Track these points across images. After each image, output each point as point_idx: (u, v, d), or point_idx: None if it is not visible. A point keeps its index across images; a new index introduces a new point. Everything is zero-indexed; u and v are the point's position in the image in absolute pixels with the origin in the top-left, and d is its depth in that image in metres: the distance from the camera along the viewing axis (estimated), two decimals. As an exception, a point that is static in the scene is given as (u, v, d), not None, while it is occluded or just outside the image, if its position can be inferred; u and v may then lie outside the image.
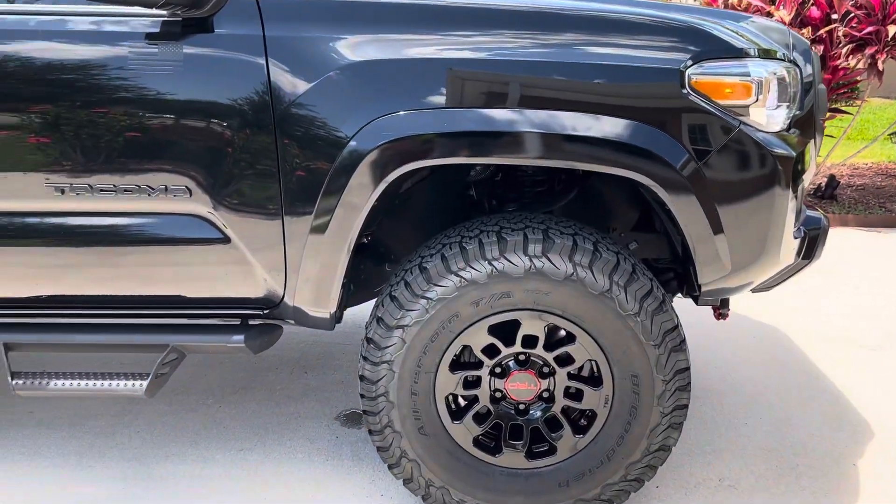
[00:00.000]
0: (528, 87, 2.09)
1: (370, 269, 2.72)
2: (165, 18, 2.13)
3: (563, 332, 2.26)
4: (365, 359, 2.26)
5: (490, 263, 2.15)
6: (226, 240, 2.22)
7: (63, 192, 2.19)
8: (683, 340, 2.25)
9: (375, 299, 2.37)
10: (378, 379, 2.24)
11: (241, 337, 2.32)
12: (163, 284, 2.30)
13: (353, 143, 2.10)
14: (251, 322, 2.40)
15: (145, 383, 2.32)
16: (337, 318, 2.34)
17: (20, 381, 2.32)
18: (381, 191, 2.14)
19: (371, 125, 2.09)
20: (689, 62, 2.08)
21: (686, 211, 2.14)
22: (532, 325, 2.23)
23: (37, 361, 2.93)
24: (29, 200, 2.21)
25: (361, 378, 2.28)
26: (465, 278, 2.15)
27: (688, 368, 2.26)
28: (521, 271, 2.15)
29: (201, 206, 2.19)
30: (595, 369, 2.29)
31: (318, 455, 2.80)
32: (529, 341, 2.26)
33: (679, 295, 2.76)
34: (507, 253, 2.15)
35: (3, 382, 2.32)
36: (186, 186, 2.18)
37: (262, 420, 3.03)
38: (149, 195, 2.18)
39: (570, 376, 2.30)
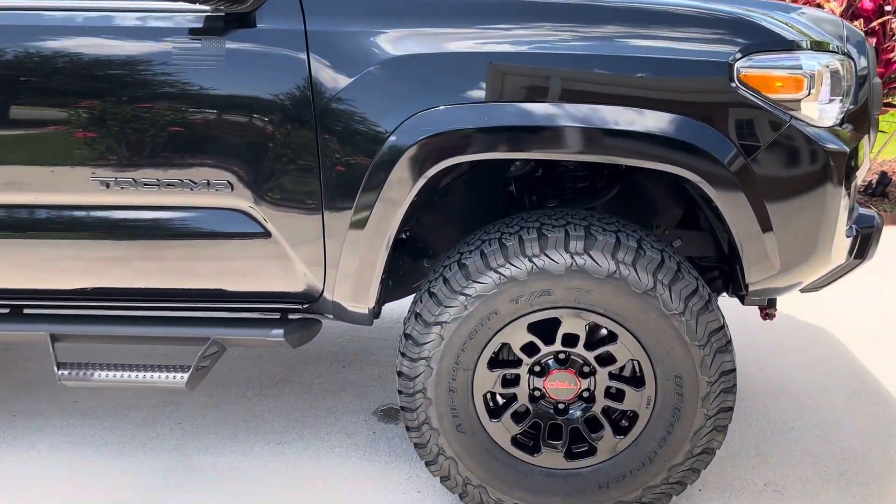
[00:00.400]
0: (570, 80, 2.05)
1: (409, 265, 2.70)
2: (209, 14, 2.14)
3: (604, 331, 2.21)
4: (403, 355, 2.25)
5: (530, 260, 2.12)
6: (266, 234, 2.23)
7: (108, 185, 2.21)
8: (729, 341, 2.19)
9: (414, 295, 2.35)
10: (416, 375, 2.23)
11: (280, 331, 2.33)
12: (204, 278, 2.32)
13: (392, 138, 2.08)
14: (291, 316, 2.41)
15: (186, 376, 2.34)
16: (375, 313, 2.34)
17: (65, 372, 2.36)
18: (421, 186, 2.12)
19: (411, 120, 2.08)
20: (738, 55, 2.02)
21: (733, 208, 2.08)
22: (573, 324, 2.19)
23: (82, 353, 2.98)
24: (75, 194, 2.24)
25: (399, 374, 2.27)
26: (504, 275, 2.13)
27: (734, 370, 2.20)
28: (561, 269, 2.11)
29: (243, 200, 2.20)
30: (637, 369, 2.24)
31: (355, 450, 2.80)
32: (570, 340, 2.22)
33: (725, 294, 2.69)
34: (548, 250, 2.12)
35: (49, 372, 2.35)
36: (228, 181, 2.19)
37: (301, 413, 3.05)
38: (191, 189, 2.20)
39: (612, 376, 2.25)
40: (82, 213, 2.28)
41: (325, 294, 2.30)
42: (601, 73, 2.05)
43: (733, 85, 2.02)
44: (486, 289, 2.14)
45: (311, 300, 2.34)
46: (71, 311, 2.45)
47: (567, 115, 2.04)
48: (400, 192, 2.12)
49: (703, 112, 2.04)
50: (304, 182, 2.15)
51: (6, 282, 2.37)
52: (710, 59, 2.03)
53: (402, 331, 2.28)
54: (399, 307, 3.29)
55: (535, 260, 2.12)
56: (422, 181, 2.11)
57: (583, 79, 2.06)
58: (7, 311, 2.48)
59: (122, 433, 2.91)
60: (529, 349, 2.24)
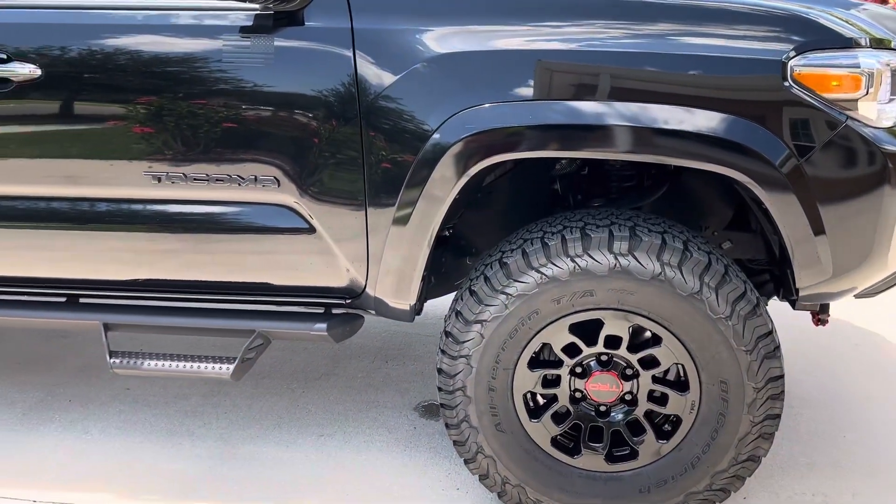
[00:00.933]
0: (619, 79, 2.02)
1: (451, 263, 2.71)
2: (258, 12, 2.17)
3: (648, 334, 2.18)
4: (443, 352, 2.25)
5: (572, 260, 2.10)
6: (311, 230, 2.26)
7: (160, 180, 2.27)
8: (778, 347, 2.13)
9: (455, 293, 2.35)
10: (456, 373, 2.23)
11: (323, 325, 2.36)
12: (251, 272, 2.36)
13: (436, 135, 2.08)
14: (334, 311, 2.43)
15: (231, 367, 2.38)
16: (417, 310, 2.35)
17: (117, 360, 2.43)
18: (464, 184, 2.12)
19: (455, 118, 2.08)
20: (792, 53, 1.96)
21: (784, 210, 2.02)
22: (615, 326, 2.16)
23: (133, 342, 3.07)
24: (129, 188, 2.30)
25: (439, 371, 2.28)
26: (546, 275, 2.11)
27: (782, 376, 2.14)
28: (604, 269, 2.08)
29: (289, 196, 2.23)
30: (681, 373, 2.20)
31: (395, 445, 2.82)
32: (612, 342, 2.19)
33: (775, 298, 2.62)
34: (591, 250, 2.09)
35: (103, 359, 2.42)
36: (275, 177, 2.22)
37: (343, 407, 3.08)
38: (239, 185, 2.24)
39: (655, 379, 2.22)
40: (137, 207, 2.34)
41: (368, 290, 2.32)
42: (652, 71, 2.02)
43: (786, 84, 1.96)
44: (528, 288, 2.12)
45: (353, 296, 2.36)
46: (124, 302, 2.52)
47: (616, 113, 2.02)
48: (443, 189, 2.12)
49: (754, 112, 1.99)
50: (348, 178, 2.17)
51: (64, 271, 2.46)
52: (763, 57, 1.97)
53: (443, 328, 2.28)
54: (442, 304, 3.30)
55: (577, 260, 2.09)
56: (464, 179, 2.11)
57: (633, 77, 2.03)
58: (64, 299, 2.56)
59: (171, 421, 2.99)
60: (571, 350, 2.21)
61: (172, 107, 2.20)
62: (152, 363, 2.43)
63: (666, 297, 2.08)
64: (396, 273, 2.25)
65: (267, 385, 3.25)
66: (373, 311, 2.38)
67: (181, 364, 2.42)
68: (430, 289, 2.62)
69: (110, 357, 2.44)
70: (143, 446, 2.83)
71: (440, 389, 2.29)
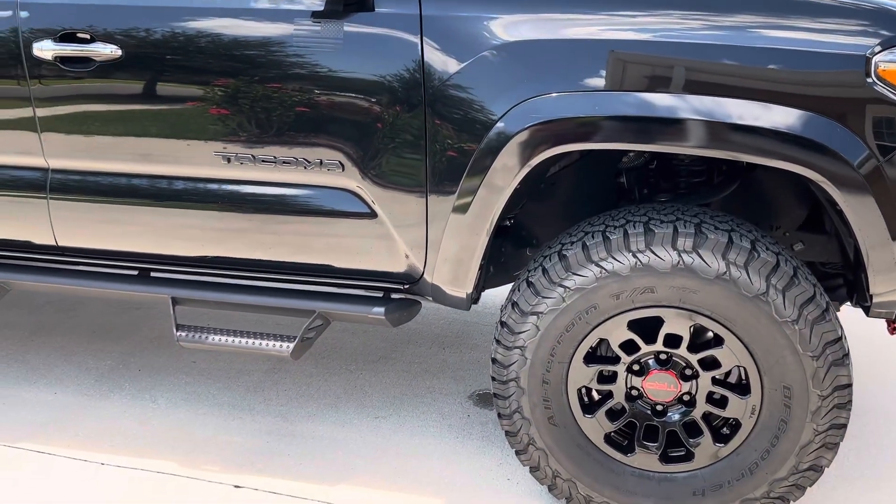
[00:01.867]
0: (694, 71, 1.97)
1: (511, 253, 2.69)
2: (330, -3, 2.19)
3: (710, 334, 2.12)
4: (498, 342, 2.25)
5: (634, 255, 2.06)
6: (372, 214, 2.28)
7: (229, 160, 2.33)
8: (847, 354, 2.05)
9: (513, 283, 2.34)
10: (510, 364, 2.22)
11: (381, 309, 2.39)
12: (313, 254, 2.40)
13: (500, 123, 2.07)
14: (392, 296, 2.46)
15: (291, 346, 2.44)
16: (474, 299, 2.35)
17: (183, 334, 2.52)
18: (526, 174, 2.10)
19: (521, 106, 2.06)
20: (878, 48, 1.87)
21: (861, 213, 1.93)
22: (676, 324, 2.11)
23: (201, 317, 3.17)
24: (201, 167, 2.37)
25: (493, 361, 2.27)
26: (606, 269, 2.08)
27: (849, 385, 2.06)
28: (667, 266, 2.04)
29: (352, 180, 2.26)
30: (743, 376, 2.14)
31: (449, 431, 2.83)
32: (672, 340, 2.15)
33: (849, 304, 2.51)
34: (654, 246, 2.05)
35: (172, 333, 2.51)
36: (340, 161, 2.25)
37: (399, 391, 3.11)
38: (304, 168, 2.28)
39: (715, 381, 2.16)
40: (207, 186, 2.41)
41: (426, 276, 2.33)
42: (728, 64, 1.95)
43: (869, 80, 1.87)
44: (586, 282, 2.10)
45: (411, 281, 2.38)
46: (192, 278, 2.60)
47: (690, 107, 1.96)
48: (504, 179, 2.11)
49: (834, 109, 1.91)
50: (410, 164, 2.18)
51: (137, 246, 2.55)
52: (845, 51, 1.89)
53: (499, 318, 2.28)
54: (502, 293, 3.29)
55: (639, 255, 2.05)
56: (527, 169, 2.09)
57: (709, 70, 1.97)
58: (136, 272, 2.66)
59: (234, 395, 3.08)
60: (629, 347, 2.18)
61: (245, 89, 2.25)
62: (216, 338, 2.50)
63: (730, 297, 2.02)
64: (454, 261, 2.26)
65: (326, 365, 3.31)
66: (430, 298, 2.40)
67: (244, 340, 2.49)
68: (488, 278, 2.62)
69: (177, 330, 2.53)
70: (206, 418, 2.92)
71: (493, 379, 2.29)
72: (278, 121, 2.24)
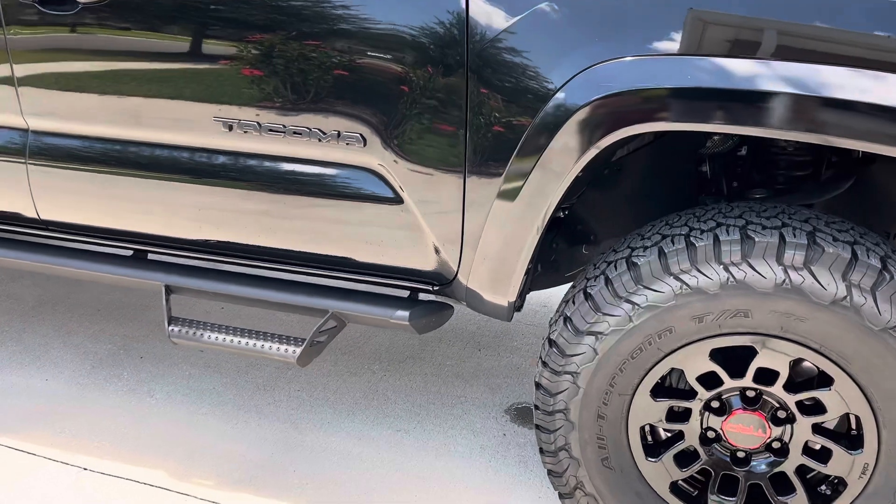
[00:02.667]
0: (802, 38, 1.50)
1: (563, 250, 2.26)
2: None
3: (813, 370, 1.68)
4: (544, 364, 1.83)
5: (727, 269, 1.61)
6: (397, 200, 1.88)
7: (231, 128, 1.94)
8: None
9: (566, 290, 1.91)
10: (558, 392, 1.81)
11: (405, 313, 1.99)
12: (328, 243, 2.02)
13: (560, 94, 1.64)
14: (420, 297, 2.06)
15: (298, 350, 2.06)
16: (516, 307, 1.93)
17: (176, 329, 2.16)
18: (590, 158, 1.67)
19: (586, 74, 1.62)
20: None
21: None
22: (772, 357, 1.67)
23: (201, 310, 2.82)
24: (198, 134, 1.99)
25: (538, 386, 1.86)
26: (688, 284, 1.63)
27: None
28: (769, 285, 1.59)
29: (375, 157, 1.86)
30: (854, 426, 1.69)
31: (480, 453, 2.44)
32: (765, 376, 1.70)
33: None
34: (753, 258, 1.60)
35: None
36: (361, 134, 1.84)
37: (426, 398, 2.73)
38: (319, 140, 1.88)
39: (816, 429, 1.72)
40: (206, 157, 2.03)
41: (460, 277, 1.92)
42: (850, 28, 1.48)
43: None
44: (662, 299, 1.66)
45: (443, 282, 1.98)
46: (190, 263, 2.24)
47: (792, 79, 1.50)
48: (563, 162, 1.68)
49: None
50: (446, 140, 1.77)
51: (126, 223, 2.20)
52: None
53: (547, 335, 1.85)
54: (551, 291, 2.86)
55: (733, 269, 1.60)
56: (592, 151, 1.66)
57: (824, 37, 1.50)
58: (130, 252, 2.31)
59: (240, 392, 2.73)
60: (709, 380, 1.74)
61: (249, 42, 1.85)
62: (213, 336, 2.14)
63: (849, 328, 1.57)
64: (496, 259, 1.84)
65: (346, 363, 2.94)
66: (464, 303, 1.99)
67: (244, 341, 2.12)
68: (535, 278, 2.20)
69: (169, 324, 2.17)
70: (207, 419, 2.58)
71: (537, 408, 1.88)
72: (287, 82, 1.85)
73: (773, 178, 2.02)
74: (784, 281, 1.57)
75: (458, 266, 1.91)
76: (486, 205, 1.79)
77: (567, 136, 1.66)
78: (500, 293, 1.88)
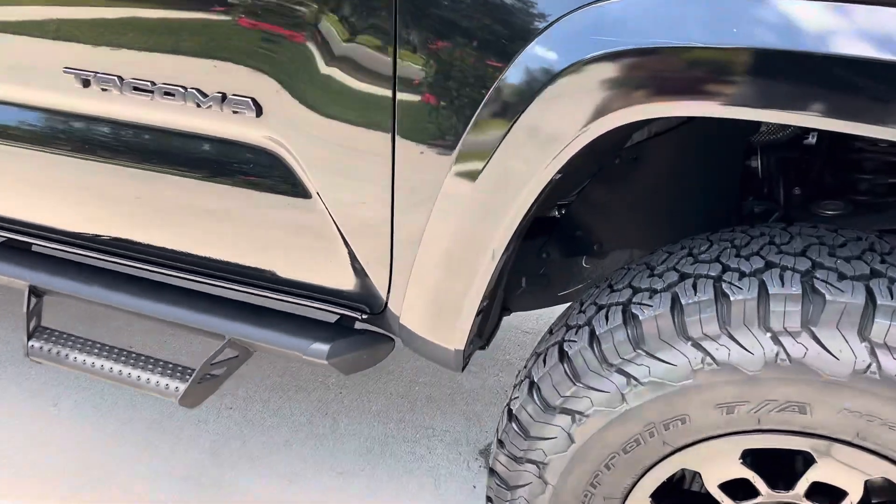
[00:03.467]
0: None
1: (557, 261, 1.68)
2: None
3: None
4: (500, 443, 1.27)
5: (777, 340, 1.02)
6: (303, 193, 1.33)
7: (87, 83, 1.40)
8: None
9: (537, 344, 1.33)
10: (517, 485, 1.25)
11: (323, 347, 1.45)
12: (220, 246, 1.49)
13: (535, 48, 1.06)
14: (350, 322, 1.52)
15: (183, 388, 1.54)
16: (469, 354, 1.38)
17: (36, 344, 1.66)
18: (587, 143, 1.09)
19: (577, 16, 1.03)
20: None
21: None
22: (838, 470, 1.09)
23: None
24: (48, 91, 1.46)
25: (491, 472, 1.31)
26: (713, 356, 1.05)
27: None
28: (844, 371, 1.00)
29: (274, 132, 1.30)
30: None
31: (440, 512, 1.92)
32: (824, 492, 1.12)
33: None
34: (821, 327, 1.00)
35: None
36: (254, 99, 1.28)
37: (385, 429, 2.21)
38: (197, 104, 1.32)
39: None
40: (64, 122, 1.50)
41: (391, 307, 1.37)
42: None
43: None
44: (673, 375, 1.08)
45: (373, 311, 1.42)
46: (74, 260, 1.73)
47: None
48: (543, 147, 1.12)
49: None
50: (366, 101, 1.20)
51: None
52: None
53: (507, 401, 1.29)
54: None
55: (787, 341, 1.01)
56: (586, 136, 1.09)
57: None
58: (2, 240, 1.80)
59: (159, 410, 2.24)
60: (738, 489, 1.17)
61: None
62: (79, 357, 1.64)
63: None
64: (438, 286, 1.28)
65: (296, 373, 2.42)
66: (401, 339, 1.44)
67: (118, 367, 1.61)
68: (518, 296, 1.65)
69: (31, 337, 1.67)
70: (115, 441, 2.13)
71: (489, 501, 1.32)
72: (151, 23, 1.29)
73: (853, 185, 1.41)
74: (869, 366, 0.98)
75: (388, 291, 1.35)
76: (425, 201, 1.23)
77: (547, 109, 1.09)
78: (442, 335, 1.32)
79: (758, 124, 1.47)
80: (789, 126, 1.48)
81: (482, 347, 1.51)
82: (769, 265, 1.06)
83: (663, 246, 1.59)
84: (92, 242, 1.61)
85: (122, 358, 1.62)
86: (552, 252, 1.66)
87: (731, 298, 1.04)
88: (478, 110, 1.14)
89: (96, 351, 1.65)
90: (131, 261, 1.59)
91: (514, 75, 1.10)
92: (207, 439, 2.14)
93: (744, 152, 1.52)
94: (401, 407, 2.31)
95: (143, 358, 1.62)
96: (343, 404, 2.30)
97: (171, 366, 1.60)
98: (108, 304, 1.63)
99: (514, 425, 1.24)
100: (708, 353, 1.05)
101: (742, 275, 1.06)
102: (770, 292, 1.02)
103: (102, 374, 1.62)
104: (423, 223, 1.25)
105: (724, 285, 1.06)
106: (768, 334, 1.02)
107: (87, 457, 2.06)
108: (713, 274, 1.08)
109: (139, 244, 1.54)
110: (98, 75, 1.37)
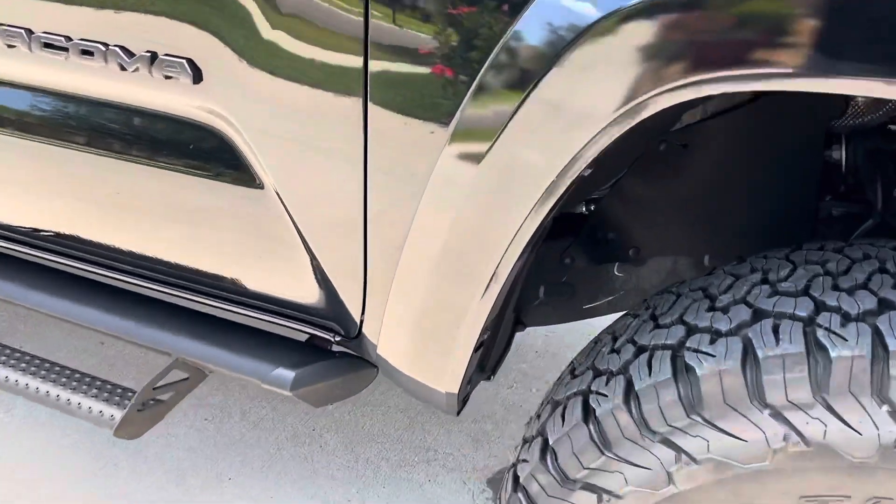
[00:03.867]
0: None
1: (584, 268, 1.38)
2: None
3: None
4: (501, 516, 0.98)
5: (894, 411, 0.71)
6: (254, 182, 1.03)
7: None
8: None
9: (551, 388, 1.03)
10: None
11: (286, 374, 1.17)
12: (153, 238, 1.21)
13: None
14: (323, 345, 1.23)
15: (119, 416, 1.26)
16: (465, 396, 1.08)
17: (-49, 355, 1.40)
18: (629, 128, 0.80)
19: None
20: None
21: None
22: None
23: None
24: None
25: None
26: (801, 434, 0.74)
27: None
28: None
29: (217, 105, 1.01)
30: None
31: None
32: None
33: None
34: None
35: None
36: (191, 60, 0.99)
37: (378, 448, 1.93)
38: (122, 66, 1.03)
39: None
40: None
41: (366, 333, 1.07)
42: None
43: None
44: (741, 453, 0.77)
45: (348, 333, 1.13)
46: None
47: None
48: (567, 128, 0.84)
49: None
50: (333, 77, 0.91)
51: None
52: None
53: (511, 464, 1.00)
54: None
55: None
56: (628, 119, 0.80)
57: None
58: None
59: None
60: None
61: None
62: (8, 375, 1.36)
63: None
64: (423, 309, 0.99)
65: (272, 401, 2.13)
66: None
67: (50, 389, 1.34)
68: (535, 308, 1.36)
69: (-52, 347, 1.41)
70: (68, 458, 1.87)
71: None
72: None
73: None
74: None
75: (363, 312, 1.05)
76: (408, 197, 0.94)
77: (565, 83, 0.78)
78: (430, 374, 1.02)
79: (844, 105, 1.16)
80: (883, 106, 1.16)
81: (487, 378, 1.22)
82: (886, 305, 0.74)
83: (714, 254, 1.30)
84: (5, 231, 1.34)
85: (59, 378, 1.35)
86: (577, 257, 1.36)
87: (831, 354, 0.72)
88: (478, 75, 0.84)
89: (28, 366, 1.38)
90: (59, 256, 1.32)
91: (527, 28, 0.80)
92: (173, 457, 1.87)
93: (825, 140, 1.20)
94: (398, 423, 2.02)
95: (77, 376, 1.35)
96: (332, 417, 2.02)
97: (109, 387, 1.32)
98: (42, 310, 1.36)
99: (520, 497, 0.94)
100: (794, 429, 0.74)
101: (846, 318, 0.74)
102: (890, 348, 0.70)
103: (27, 395, 1.35)
104: (406, 225, 0.95)
105: (818, 332, 0.74)
106: (885, 407, 0.70)
107: (39, 470, 1.82)
108: (802, 314, 0.77)
109: (64, 236, 1.26)
110: (2, 28, 1.08)
